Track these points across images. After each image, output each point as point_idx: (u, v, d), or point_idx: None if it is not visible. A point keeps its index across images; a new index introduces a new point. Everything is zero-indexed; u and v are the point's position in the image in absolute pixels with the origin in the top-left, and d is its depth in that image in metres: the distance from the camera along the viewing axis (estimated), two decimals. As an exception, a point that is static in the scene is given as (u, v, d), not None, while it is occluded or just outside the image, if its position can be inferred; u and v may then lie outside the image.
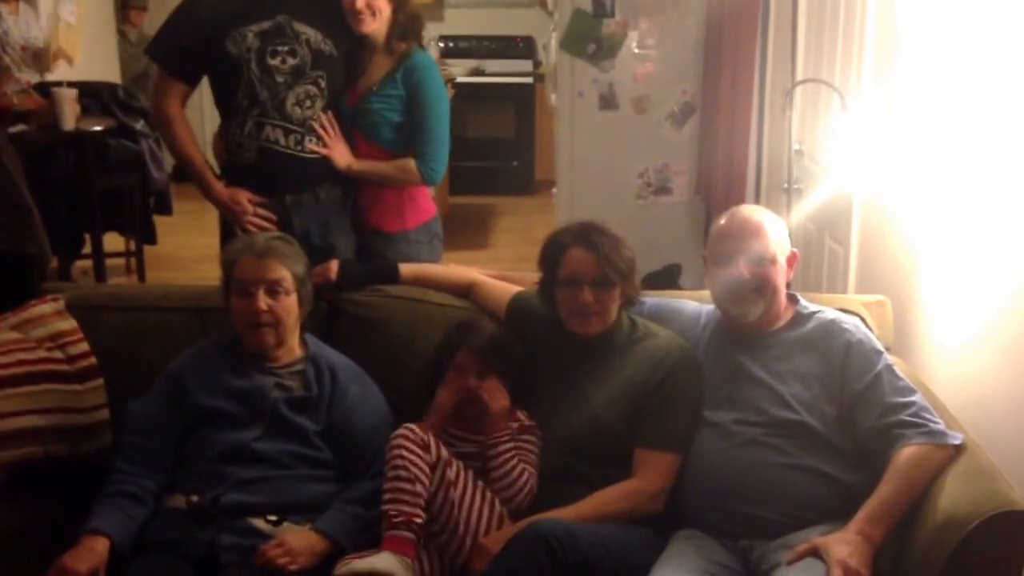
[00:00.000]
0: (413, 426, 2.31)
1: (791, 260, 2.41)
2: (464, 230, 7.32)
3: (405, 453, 2.26)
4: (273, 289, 2.44)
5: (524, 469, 2.37)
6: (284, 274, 2.45)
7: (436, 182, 3.14)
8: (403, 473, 2.24)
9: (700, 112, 5.31)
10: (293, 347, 2.50)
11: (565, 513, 2.24)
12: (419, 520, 2.23)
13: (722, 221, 2.42)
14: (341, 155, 3.07)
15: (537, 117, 8.46)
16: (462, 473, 2.32)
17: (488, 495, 2.33)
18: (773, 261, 2.34)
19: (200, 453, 2.37)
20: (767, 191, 4.86)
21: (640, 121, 5.37)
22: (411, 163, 3.06)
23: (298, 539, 2.26)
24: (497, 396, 2.40)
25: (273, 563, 2.20)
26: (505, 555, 2.11)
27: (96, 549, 2.21)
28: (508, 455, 2.36)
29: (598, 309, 2.39)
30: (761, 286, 2.33)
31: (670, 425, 2.34)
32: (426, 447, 2.28)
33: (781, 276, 2.36)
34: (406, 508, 2.22)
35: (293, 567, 2.20)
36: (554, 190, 6.09)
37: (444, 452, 2.31)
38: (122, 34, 7.36)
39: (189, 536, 2.26)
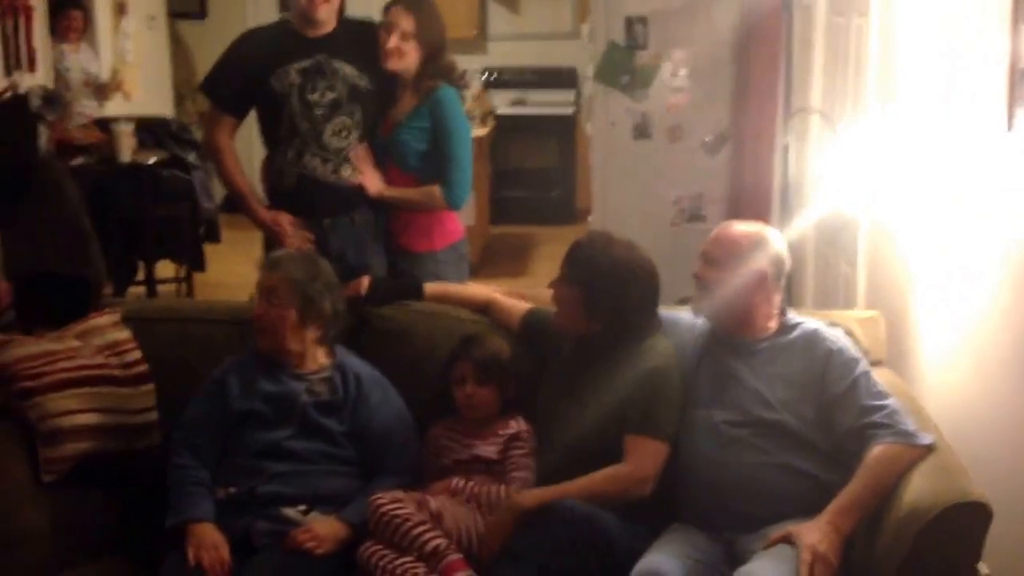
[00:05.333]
0: (379, 495, 2.48)
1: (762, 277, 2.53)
2: (504, 259, 7.41)
3: (394, 511, 2.44)
4: (269, 298, 2.64)
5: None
6: (281, 285, 2.63)
7: (459, 207, 3.35)
8: (409, 522, 2.42)
9: (732, 141, 5.44)
10: (306, 355, 2.67)
11: (553, 491, 2.41)
12: (452, 543, 2.43)
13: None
14: (373, 183, 3.29)
15: (578, 147, 8.47)
16: (442, 504, 2.50)
17: (472, 506, 2.52)
18: (720, 266, 2.51)
19: (239, 450, 2.59)
20: (791, 217, 5.00)
21: (674, 150, 5.39)
22: (436, 190, 3.27)
23: (324, 527, 2.48)
24: (489, 403, 2.64)
25: (302, 547, 2.43)
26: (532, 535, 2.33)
27: (216, 535, 2.44)
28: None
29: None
30: (702, 286, 2.53)
31: (658, 414, 2.48)
32: (399, 500, 2.47)
33: (746, 287, 2.51)
34: (438, 540, 2.41)
35: (319, 551, 2.43)
36: (590, 218, 6.24)
37: (417, 494, 2.51)
38: None
39: (228, 523, 2.49)
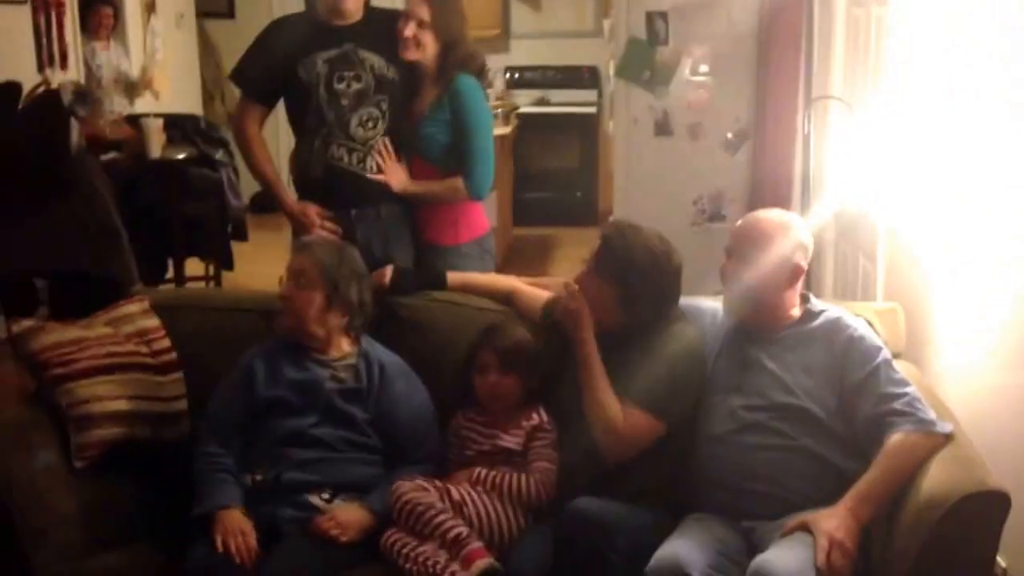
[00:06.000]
0: (402, 483, 2.52)
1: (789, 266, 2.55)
2: (525, 260, 7.35)
3: (417, 499, 2.48)
4: (297, 280, 2.68)
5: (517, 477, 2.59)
6: (309, 268, 2.67)
7: (483, 197, 3.37)
8: (431, 510, 2.46)
9: (753, 138, 5.39)
10: (330, 341, 2.70)
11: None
12: (474, 531, 2.47)
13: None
14: (398, 179, 3.31)
15: (599, 148, 8.43)
16: (464, 493, 2.54)
17: (493, 496, 2.55)
18: (746, 260, 2.52)
19: (265, 437, 2.62)
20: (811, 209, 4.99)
21: (694, 147, 5.36)
22: (459, 182, 3.30)
23: (348, 514, 2.52)
24: (512, 393, 2.66)
25: (326, 534, 2.47)
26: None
27: (243, 521, 2.48)
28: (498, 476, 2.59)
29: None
30: (730, 281, 2.54)
31: (666, 397, 2.51)
32: (423, 488, 2.51)
33: (774, 277, 2.52)
34: (460, 528, 2.44)
35: (343, 539, 2.47)
36: (611, 217, 6.23)
37: (438, 483, 2.54)
38: None
39: (253, 510, 2.52)
